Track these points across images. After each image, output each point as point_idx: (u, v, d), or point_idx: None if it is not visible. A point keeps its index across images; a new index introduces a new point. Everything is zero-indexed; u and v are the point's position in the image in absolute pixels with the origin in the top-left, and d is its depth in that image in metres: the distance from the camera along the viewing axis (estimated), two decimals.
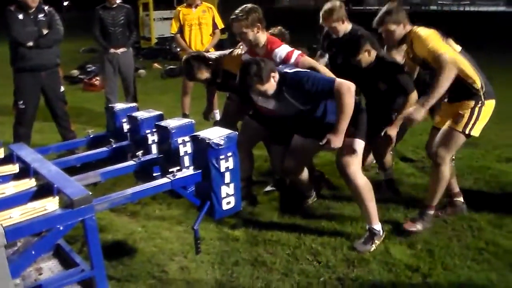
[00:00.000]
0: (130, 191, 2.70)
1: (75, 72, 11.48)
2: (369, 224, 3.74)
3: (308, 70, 3.68)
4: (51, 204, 2.41)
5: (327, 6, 4.67)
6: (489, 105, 3.70)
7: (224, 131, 2.95)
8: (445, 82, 3.46)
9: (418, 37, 3.69)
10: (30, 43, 5.28)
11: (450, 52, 3.54)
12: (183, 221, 4.13)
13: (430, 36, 3.63)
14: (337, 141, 3.50)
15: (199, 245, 3.02)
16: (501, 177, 4.87)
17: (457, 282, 3.24)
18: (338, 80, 3.53)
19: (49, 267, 3.05)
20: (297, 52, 3.92)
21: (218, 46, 7.34)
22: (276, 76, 3.59)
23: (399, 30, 3.80)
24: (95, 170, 3.01)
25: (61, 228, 2.36)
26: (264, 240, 3.80)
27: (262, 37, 3.97)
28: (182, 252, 3.66)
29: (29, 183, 2.75)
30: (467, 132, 3.67)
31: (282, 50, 3.91)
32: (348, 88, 3.47)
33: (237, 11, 3.94)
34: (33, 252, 2.33)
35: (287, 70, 3.67)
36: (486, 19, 15.12)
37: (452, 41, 3.74)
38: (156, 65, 13.87)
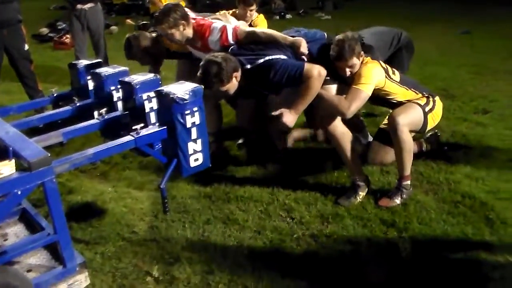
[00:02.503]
0: (91, 150, 2.57)
1: (45, 30, 11.08)
2: (352, 176, 3.68)
3: (272, 58, 3.46)
4: (6, 168, 2.27)
5: None
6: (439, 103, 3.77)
7: (190, 85, 2.82)
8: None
9: (365, 66, 3.57)
10: None
11: (365, 93, 3.44)
12: (154, 180, 4.03)
13: (370, 71, 3.52)
14: (290, 118, 3.42)
15: (166, 204, 2.94)
16: (477, 129, 4.83)
17: (432, 236, 3.20)
18: (309, 64, 3.40)
19: (15, 232, 2.98)
20: (230, 28, 3.73)
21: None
22: (238, 75, 3.45)
23: (358, 63, 3.58)
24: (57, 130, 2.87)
25: (19, 193, 2.25)
26: (237, 197, 3.72)
27: (189, 31, 3.82)
28: (152, 211, 3.58)
29: None
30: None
31: (214, 36, 3.75)
32: (318, 72, 3.34)
33: (157, 14, 3.79)
34: None
35: (248, 66, 3.48)
36: None
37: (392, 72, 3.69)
38: (129, 21, 13.62)
